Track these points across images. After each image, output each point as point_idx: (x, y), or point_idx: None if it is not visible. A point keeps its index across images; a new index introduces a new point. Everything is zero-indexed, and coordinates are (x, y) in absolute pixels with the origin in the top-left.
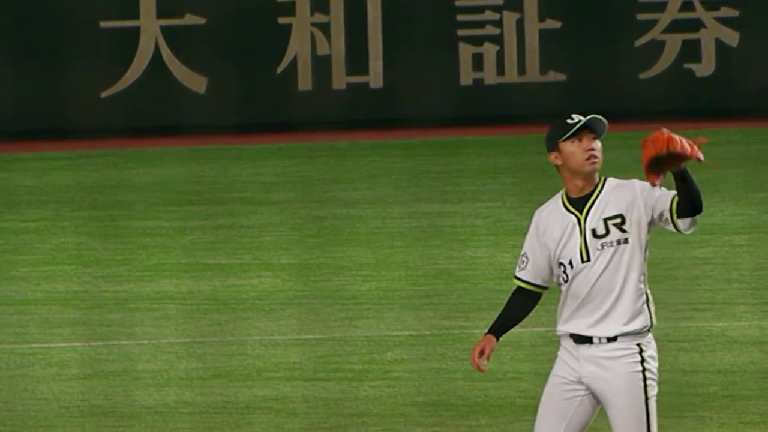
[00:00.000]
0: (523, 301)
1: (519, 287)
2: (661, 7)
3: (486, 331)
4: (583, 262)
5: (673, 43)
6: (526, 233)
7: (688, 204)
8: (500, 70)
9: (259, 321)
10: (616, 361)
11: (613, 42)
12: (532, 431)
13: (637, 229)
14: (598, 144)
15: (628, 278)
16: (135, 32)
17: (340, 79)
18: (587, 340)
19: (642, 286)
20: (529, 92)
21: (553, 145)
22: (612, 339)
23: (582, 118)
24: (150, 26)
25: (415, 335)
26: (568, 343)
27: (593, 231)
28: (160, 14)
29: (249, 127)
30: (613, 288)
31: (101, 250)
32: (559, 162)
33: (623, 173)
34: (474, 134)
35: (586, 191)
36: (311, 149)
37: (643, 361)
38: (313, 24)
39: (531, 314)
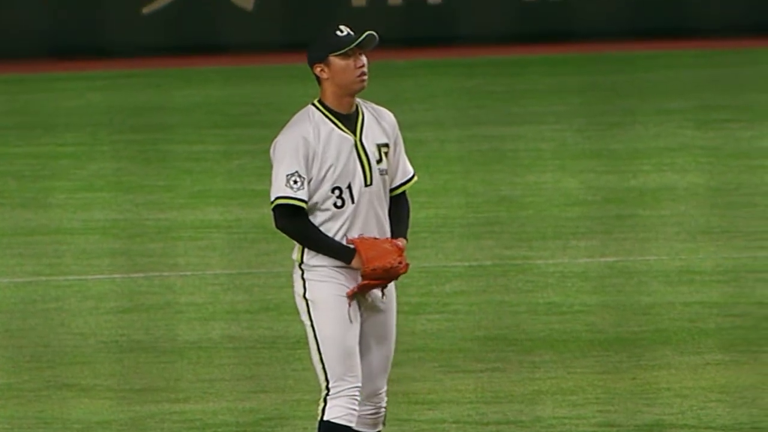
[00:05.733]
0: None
1: (301, 209)
2: None
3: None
4: (366, 186)
5: None
6: (283, 153)
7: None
8: None
9: None
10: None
11: None
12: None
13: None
14: (365, 60)
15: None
16: None
17: None
18: None
19: None
20: (597, 7)
21: (320, 57)
22: None
23: (350, 31)
24: None
25: (476, 266)
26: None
27: (373, 155)
28: None
29: (298, 45)
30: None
31: (142, 175)
32: (325, 75)
33: (691, 92)
34: (538, 52)
35: (352, 109)
36: None
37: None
38: None
39: None
